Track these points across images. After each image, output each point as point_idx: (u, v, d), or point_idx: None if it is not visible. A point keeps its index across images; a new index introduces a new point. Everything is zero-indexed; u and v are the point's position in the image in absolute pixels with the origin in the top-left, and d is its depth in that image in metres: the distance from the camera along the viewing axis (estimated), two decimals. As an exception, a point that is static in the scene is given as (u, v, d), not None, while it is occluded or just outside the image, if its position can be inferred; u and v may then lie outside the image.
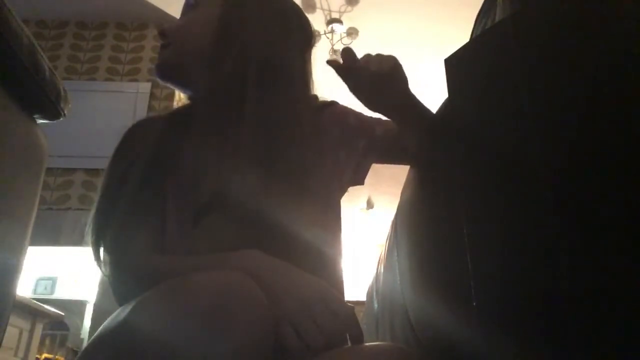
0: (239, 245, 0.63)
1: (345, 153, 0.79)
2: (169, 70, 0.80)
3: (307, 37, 0.83)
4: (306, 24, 0.84)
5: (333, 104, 0.83)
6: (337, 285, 0.73)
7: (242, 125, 0.70)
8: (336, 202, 0.79)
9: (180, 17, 0.83)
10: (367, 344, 0.59)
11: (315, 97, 0.82)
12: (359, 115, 0.82)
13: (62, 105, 0.87)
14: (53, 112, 0.86)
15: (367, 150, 0.79)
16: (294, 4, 0.85)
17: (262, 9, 0.79)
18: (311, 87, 0.81)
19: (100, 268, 0.69)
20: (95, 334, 0.54)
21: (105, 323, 0.54)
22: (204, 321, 0.45)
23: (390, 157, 0.82)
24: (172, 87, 0.84)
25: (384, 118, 0.79)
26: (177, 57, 0.78)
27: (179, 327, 0.45)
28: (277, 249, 0.63)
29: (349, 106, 0.84)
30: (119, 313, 0.52)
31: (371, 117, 0.81)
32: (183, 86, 0.82)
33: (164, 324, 0.46)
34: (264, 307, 0.49)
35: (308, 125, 0.74)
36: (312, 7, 3.30)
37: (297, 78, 0.78)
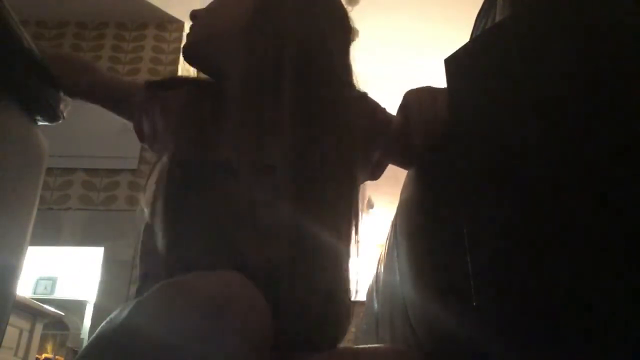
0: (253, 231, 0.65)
1: (367, 147, 0.78)
2: (198, 49, 0.79)
3: (347, 29, 0.81)
4: (347, 18, 0.82)
5: (364, 96, 0.82)
6: (343, 283, 0.73)
7: (278, 113, 0.69)
8: (353, 195, 0.76)
9: (211, 2, 0.82)
10: (368, 346, 0.59)
11: (353, 86, 0.80)
12: (384, 111, 0.82)
13: (61, 108, 0.87)
14: (52, 114, 0.86)
15: (386, 148, 0.79)
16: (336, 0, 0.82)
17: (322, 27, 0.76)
18: (351, 75, 0.79)
19: None
20: (94, 335, 0.54)
21: (103, 323, 0.54)
22: (201, 322, 0.45)
23: (401, 159, 0.82)
24: (196, 69, 0.82)
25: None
26: (206, 38, 0.77)
27: (177, 328, 0.45)
28: (284, 241, 0.65)
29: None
30: (118, 314, 0.52)
31: (392, 115, 0.81)
32: (208, 68, 0.81)
33: (162, 325, 0.46)
34: (263, 307, 0.49)
35: (344, 116, 0.73)
36: (312, 7, 3.29)
37: (336, 66, 0.76)
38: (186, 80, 0.84)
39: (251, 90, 0.71)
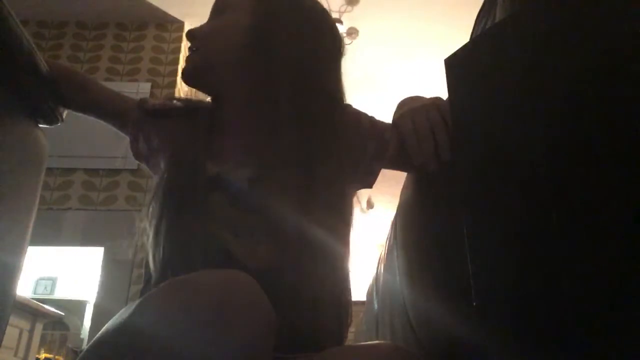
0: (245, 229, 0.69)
1: (355, 155, 0.79)
2: (197, 75, 0.81)
3: (338, 44, 0.84)
4: (336, 31, 0.85)
5: (347, 106, 0.84)
6: (343, 284, 0.74)
7: (275, 131, 0.73)
8: (344, 203, 0.78)
9: (207, 22, 0.83)
10: (366, 343, 0.59)
11: (343, 101, 0.83)
12: (371, 118, 0.82)
13: (60, 110, 0.87)
14: (51, 117, 0.86)
15: (376, 154, 0.79)
16: (325, 11, 0.84)
17: (295, 16, 0.79)
18: (342, 91, 0.82)
19: None
20: (98, 335, 0.54)
21: (107, 323, 0.54)
22: (205, 320, 0.45)
23: (398, 163, 0.82)
24: (198, 91, 0.85)
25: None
26: (206, 62, 0.79)
27: (181, 326, 0.45)
28: (285, 245, 0.67)
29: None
30: (122, 313, 0.52)
31: (382, 122, 0.82)
32: (209, 91, 0.83)
33: (165, 323, 0.46)
34: (266, 305, 0.49)
35: (333, 129, 0.76)
36: (312, 7, 3.29)
37: (329, 85, 0.79)
38: (179, 102, 0.87)
39: (246, 112, 0.76)
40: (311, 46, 0.78)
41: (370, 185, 0.82)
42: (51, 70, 0.83)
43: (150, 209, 0.74)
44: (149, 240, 0.72)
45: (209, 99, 0.85)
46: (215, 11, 0.83)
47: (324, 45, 0.80)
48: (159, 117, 0.84)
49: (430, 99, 0.74)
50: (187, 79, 0.81)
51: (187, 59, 0.81)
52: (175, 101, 0.87)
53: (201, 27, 0.82)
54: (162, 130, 0.82)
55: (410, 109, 0.72)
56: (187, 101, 0.87)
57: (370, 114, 0.84)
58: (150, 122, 0.83)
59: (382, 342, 0.87)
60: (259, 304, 0.49)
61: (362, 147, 0.79)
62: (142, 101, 0.85)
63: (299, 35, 0.78)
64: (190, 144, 0.76)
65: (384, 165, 0.81)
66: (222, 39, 0.79)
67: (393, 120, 0.75)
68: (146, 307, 0.49)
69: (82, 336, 3.84)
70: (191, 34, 0.81)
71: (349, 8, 3.44)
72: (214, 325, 0.45)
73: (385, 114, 0.84)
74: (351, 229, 0.78)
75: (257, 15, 0.78)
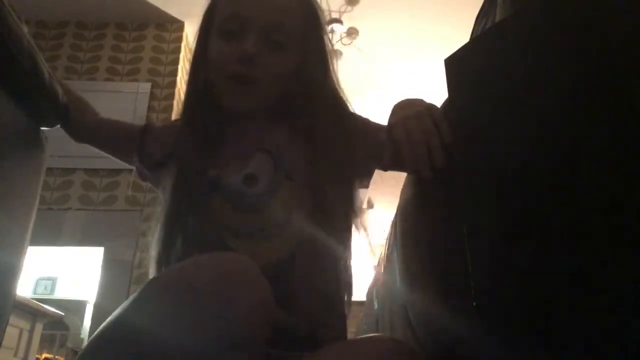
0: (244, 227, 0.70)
1: (350, 156, 0.79)
2: (255, 107, 0.79)
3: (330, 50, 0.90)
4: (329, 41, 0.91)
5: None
6: (343, 283, 0.74)
7: (281, 134, 0.78)
8: (343, 203, 0.79)
9: (262, 49, 0.76)
10: (364, 336, 0.60)
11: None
12: (364, 120, 0.83)
13: (60, 111, 0.88)
14: (51, 118, 0.86)
15: (370, 155, 0.80)
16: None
17: (330, 59, 0.85)
18: (346, 99, 0.86)
19: None
20: (95, 333, 0.54)
21: (105, 322, 0.54)
22: (202, 305, 0.45)
23: (393, 168, 0.82)
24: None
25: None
26: (265, 99, 0.78)
27: (177, 316, 0.46)
28: (285, 244, 0.69)
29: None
30: (118, 310, 0.52)
31: (375, 123, 0.82)
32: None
33: (162, 315, 0.46)
34: (264, 288, 0.49)
35: (342, 133, 0.79)
36: (312, 7, 3.29)
37: (337, 93, 0.84)
38: (178, 119, 0.88)
39: (255, 117, 0.79)
40: (337, 80, 0.84)
41: (365, 186, 0.83)
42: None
43: (159, 210, 0.76)
44: (153, 240, 0.73)
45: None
46: (271, 40, 0.77)
47: (329, 60, 0.85)
48: (160, 130, 0.86)
49: (424, 105, 0.74)
50: (245, 109, 0.80)
51: (241, 89, 0.76)
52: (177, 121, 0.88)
53: (260, 53, 0.75)
54: (165, 148, 0.82)
55: (404, 116, 0.73)
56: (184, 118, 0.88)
57: (370, 114, 0.84)
58: (153, 145, 0.84)
59: (379, 334, 0.87)
60: (256, 286, 0.49)
61: (356, 147, 0.80)
62: (147, 127, 0.87)
63: (327, 70, 0.83)
64: (192, 146, 0.77)
65: (378, 168, 0.81)
66: (281, 78, 0.78)
67: (387, 125, 0.76)
68: (143, 301, 0.50)
69: (82, 336, 3.84)
70: (251, 56, 0.75)
71: (349, 8, 3.44)
72: (211, 311, 0.45)
73: (385, 114, 0.84)
74: (352, 228, 0.79)
75: (306, 62, 0.80)
